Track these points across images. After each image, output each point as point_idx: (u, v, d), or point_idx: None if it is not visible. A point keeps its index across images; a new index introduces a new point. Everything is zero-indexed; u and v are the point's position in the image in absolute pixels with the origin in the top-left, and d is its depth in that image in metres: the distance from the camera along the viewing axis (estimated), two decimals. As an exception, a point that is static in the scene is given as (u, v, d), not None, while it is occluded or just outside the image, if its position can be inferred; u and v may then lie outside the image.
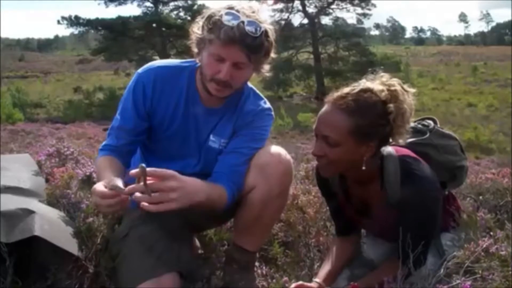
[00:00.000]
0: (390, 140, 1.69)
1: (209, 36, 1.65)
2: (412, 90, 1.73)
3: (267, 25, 1.69)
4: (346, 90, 1.66)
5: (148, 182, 1.42)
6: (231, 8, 1.65)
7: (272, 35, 1.72)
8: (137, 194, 1.46)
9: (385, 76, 1.70)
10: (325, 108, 1.68)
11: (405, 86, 1.71)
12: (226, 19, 1.61)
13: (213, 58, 1.67)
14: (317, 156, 1.71)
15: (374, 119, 1.61)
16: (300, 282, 1.76)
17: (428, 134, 1.88)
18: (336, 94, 1.68)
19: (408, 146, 1.79)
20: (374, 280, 1.66)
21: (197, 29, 1.71)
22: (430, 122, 1.97)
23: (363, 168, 1.67)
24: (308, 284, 1.76)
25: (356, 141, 1.62)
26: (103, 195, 1.45)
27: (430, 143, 1.86)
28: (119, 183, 1.49)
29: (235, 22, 1.61)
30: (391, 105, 1.62)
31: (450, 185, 1.95)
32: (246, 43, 1.62)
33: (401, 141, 1.69)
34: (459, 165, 1.93)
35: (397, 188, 1.68)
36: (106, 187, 1.46)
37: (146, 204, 1.45)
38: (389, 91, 1.64)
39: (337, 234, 2.01)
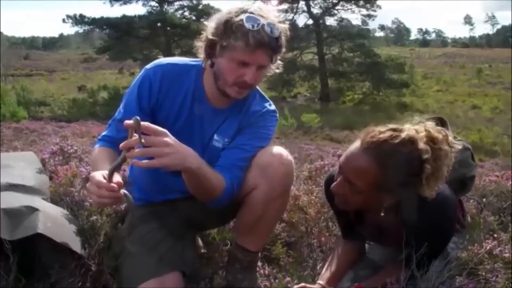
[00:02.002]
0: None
1: (234, 42, 1.62)
2: (459, 146, 1.59)
3: (282, 25, 1.69)
4: (385, 135, 1.52)
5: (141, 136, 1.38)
6: (245, 11, 1.64)
7: (285, 32, 1.71)
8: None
9: (431, 126, 1.56)
10: (356, 147, 1.57)
11: (452, 140, 1.56)
12: (248, 24, 1.60)
13: (236, 63, 1.65)
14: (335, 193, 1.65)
15: (407, 177, 1.50)
16: (303, 284, 1.75)
17: None
18: (372, 135, 1.54)
19: None
20: (378, 282, 1.65)
21: (211, 35, 1.68)
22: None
23: (382, 214, 1.61)
24: (311, 285, 1.76)
25: (381, 193, 1.55)
26: (99, 185, 1.42)
27: None
28: (117, 177, 1.47)
29: (257, 26, 1.60)
30: (428, 166, 1.48)
31: (459, 194, 1.92)
32: (271, 45, 1.64)
33: (431, 195, 1.54)
34: (470, 176, 1.91)
35: (413, 208, 1.59)
36: (104, 178, 1.45)
37: (138, 160, 1.42)
38: (433, 150, 1.49)
39: (342, 236, 2.00)
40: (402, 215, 1.63)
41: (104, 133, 1.85)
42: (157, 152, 1.44)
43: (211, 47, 1.70)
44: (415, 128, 1.55)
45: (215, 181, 1.70)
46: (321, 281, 1.80)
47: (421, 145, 1.48)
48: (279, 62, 1.77)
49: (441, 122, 1.83)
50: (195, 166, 1.57)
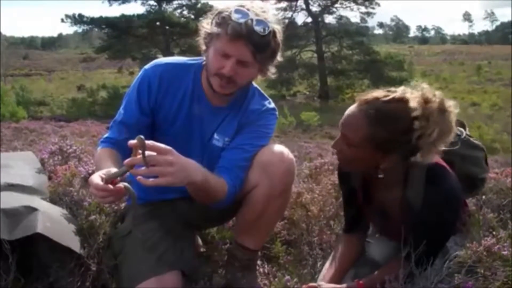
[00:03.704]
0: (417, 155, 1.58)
1: (217, 31, 1.65)
2: (456, 110, 1.57)
3: (276, 26, 1.70)
4: (379, 93, 1.60)
5: (146, 154, 1.39)
6: (242, 6, 1.66)
7: (279, 37, 1.72)
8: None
9: (427, 89, 1.56)
10: (353, 106, 1.64)
11: (448, 104, 1.55)
12: (235, 15, 1.62)
13: (219, 53, 1.67)
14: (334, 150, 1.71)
15: (395, 134, 1.54)
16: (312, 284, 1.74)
17: (459, 145, 1.76)
18: (367, 95, 1.63)
19: None
20: (379, 279, 1.65)
21: (206, 24, 1.72)
22: (462, 130, 1.89)
23: (380, 176, 1.63)
24: (312, 284, 1.75)
25: (372, 149, 1.58)
26: (96, 188, 1.44)
27: (458, 153, 1.76)
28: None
29: (243, 19, 1.62)
30: (417, 123, 1.50)
31: (468, 194, 1.92)
32: (253, 40, 1.63)
33: (426, 161, 1.57)
34: (481, 178, 1.92)
35: (419, 195, 1.61)
36: (102, 179, 1.45)
37: (143, 178, 1.43)
38: (424, 109, 1.51)
39: (344, 230, 1.99)
40: (407, 198, 1.65)
41: (105, 135, 1.85)
42: (161, 171, 1.44)
43: (206, 37, 1.73)
44: (411, 90, 1.59)
45: (218, 187, 1.71)
46: (322, 282, 1.79)
47: (412, 103, 1.53)
48: (276, 62, 1.78)
49: (460, 124, 1.86)
50: (199, 179, 1.59)
